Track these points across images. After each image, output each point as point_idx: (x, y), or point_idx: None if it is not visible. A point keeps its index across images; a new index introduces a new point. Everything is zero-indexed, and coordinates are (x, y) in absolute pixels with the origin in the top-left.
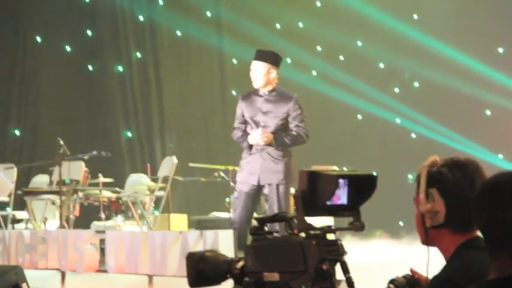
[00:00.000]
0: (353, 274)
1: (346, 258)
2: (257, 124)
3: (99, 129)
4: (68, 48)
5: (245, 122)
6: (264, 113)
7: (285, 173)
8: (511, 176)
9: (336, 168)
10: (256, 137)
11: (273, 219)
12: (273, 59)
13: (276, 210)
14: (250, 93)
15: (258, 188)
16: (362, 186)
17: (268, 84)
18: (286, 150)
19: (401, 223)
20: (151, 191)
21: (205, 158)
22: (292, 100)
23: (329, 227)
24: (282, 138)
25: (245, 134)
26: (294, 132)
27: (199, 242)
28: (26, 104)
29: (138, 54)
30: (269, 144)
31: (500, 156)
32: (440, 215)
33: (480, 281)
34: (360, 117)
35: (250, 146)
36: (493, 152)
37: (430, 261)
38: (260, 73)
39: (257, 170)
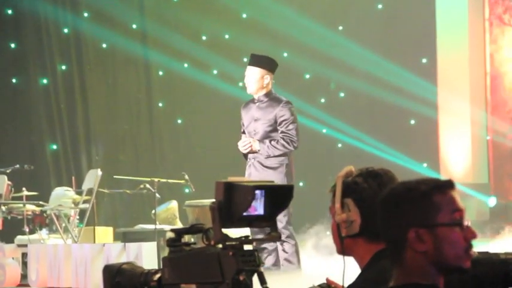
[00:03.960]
0: (270, 284)
1: (263, 269)
2: (250, 133)
3: (24, 142)
4: None
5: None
6: (255, 121)
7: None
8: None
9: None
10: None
11: (190, 230)
12: (267, 64)
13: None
14: (248, 102)
15: None
16: (278, 197)
17: (261, 90)
18: (280, 159)
19: (328, 233)
20: (76, 204)
21: (132, 170)
22: (280, 105)
23: (246, 237)
24: (266, 146)
25: None
26: (279, 139)
27: (123, 254)
28: None
29: (63, 67)
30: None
31: (425, 165)
32: (355, 224)
33: None
34: None
35: (245, 156)
36: (417, 161)
37: (346, 271)
38: (253, 78)
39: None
